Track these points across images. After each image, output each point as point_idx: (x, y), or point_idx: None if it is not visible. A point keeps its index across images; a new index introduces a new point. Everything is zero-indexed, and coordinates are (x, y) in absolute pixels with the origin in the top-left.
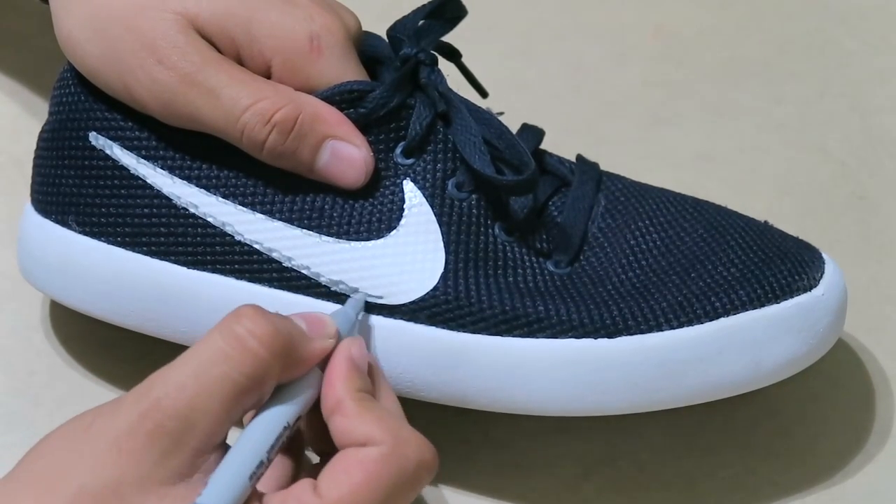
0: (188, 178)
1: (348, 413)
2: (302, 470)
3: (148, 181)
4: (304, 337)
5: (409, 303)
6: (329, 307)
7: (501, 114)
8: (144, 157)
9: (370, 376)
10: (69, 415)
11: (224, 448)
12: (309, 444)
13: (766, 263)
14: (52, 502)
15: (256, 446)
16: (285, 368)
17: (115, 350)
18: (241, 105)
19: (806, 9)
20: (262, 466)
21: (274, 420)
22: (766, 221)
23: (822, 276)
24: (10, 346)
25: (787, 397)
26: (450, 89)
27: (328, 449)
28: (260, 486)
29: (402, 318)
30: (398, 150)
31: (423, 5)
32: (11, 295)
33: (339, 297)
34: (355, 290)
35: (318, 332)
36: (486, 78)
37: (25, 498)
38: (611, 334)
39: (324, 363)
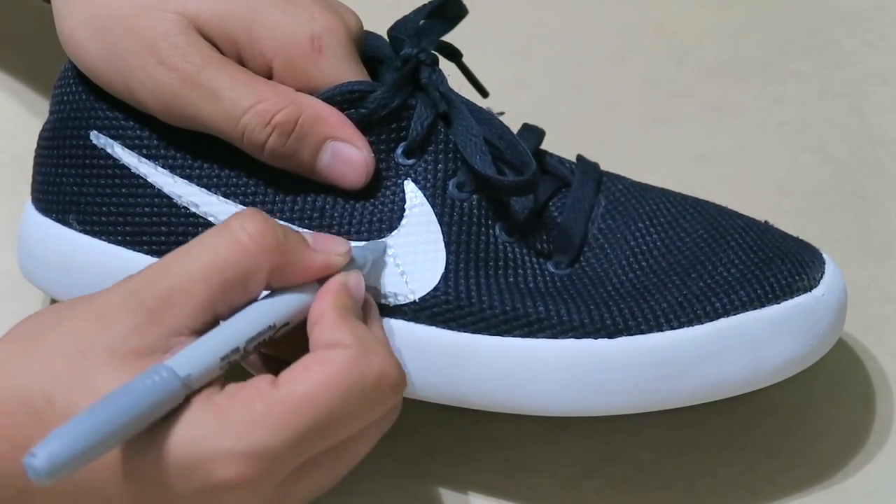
0: (189, 178)
1: (327, 322)
2: None
3: (149, 180)
4: (301, 243)
5: (410, 303)
6: None
7: (502, 114)
8: (145, 156)
9: (364, 311)
10: None
11: (203, 335)
12: None
13: (767, 264)
14: (25, 359)
15: (235, 331)
16: (277, 270)
17: None
18: (241, 106)
19: (806, 9)
20: (237, 353)
21: (260, 314)
22: (766, 221)
23: (822, 277)
24: None
25: (787, 397)
26: (451, 89)
27: None
28: None
29: (402, 319)
30: (399, 151)
31: (424, 5)
32: (11, 294)
33: None
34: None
35: (323, 247)
36: (486, 78)
37: (3, 354)
38: (611, 335)
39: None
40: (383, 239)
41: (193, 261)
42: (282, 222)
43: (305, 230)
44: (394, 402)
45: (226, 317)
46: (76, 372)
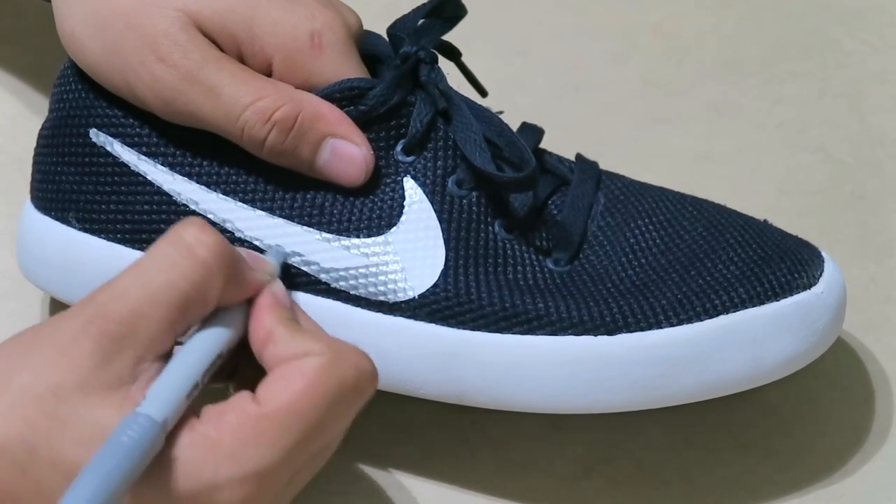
0: (188, 175)
1: (280, 339)
2: None
3: (148, 178)
4: (246, 262)
5: (409, 300)
6: (330, 304)
7: (501, 113)
8: (145, 154)
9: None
10: None
11: (166, 360)
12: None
13: (766, 261)
14: None
15: (195, 364)
16: (227, 287)
17: None
18: (241, 103)
19: (806, 9)
20: (197, 389)
21: (210, 343)
22: (765, 220)
23: (821, 275)
24: None
25: (786, 396)
26: (450, 87)
27: None
28: None
29: (401, 316)
30: (398, 148)
31: (423, 4)
32: (11, 294)
33: (340, 294)
34: (354, 288)
35: (257, 266)
36: (485, 77)
37: None
38: (610, 331)
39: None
40: (277, 246)
41: (152, 280)
42: (281, 218)
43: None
44: (372, 391)
45: (183, 335)
46: (52, 416)
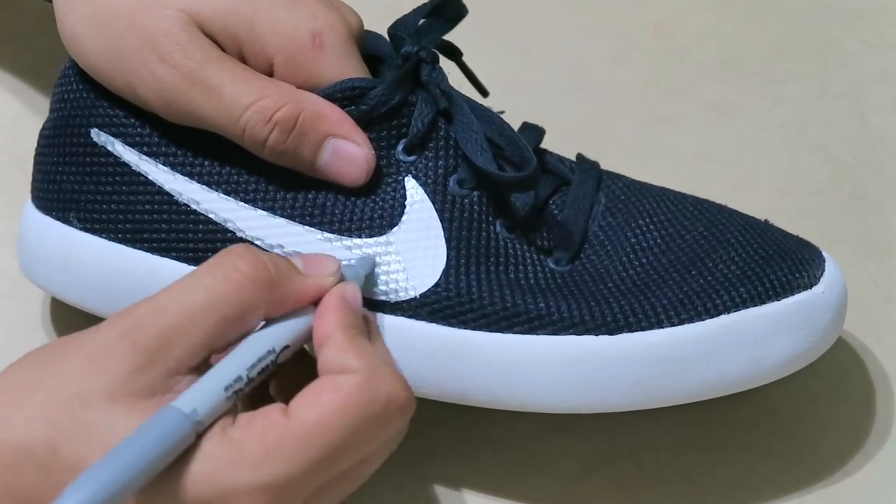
0: (190, 175)
1: (335, 344)
2: None
3: (149, 178)
4: (293, 272)
5: (411, 299)
6: None
7: (502, 112)
8: (146, 154)
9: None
10: None
11: (201, 373)
12: None
13: (767, 261)
14: (23, 410)
15: (236, 360)
16: (274, 303)
17: None
18: (242, 103)
19: (806, 9)
20: (241, 382)
21: (259, 342)
22: (765, 220)
23: (822, 274)
24: (10, 346)
25: (786, 396)
26: (451, 87)
27: None
28: None
29: (402, 315)
30: (400, 147)
31: (424, 4)
32: (11, 294)
33: None
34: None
35: (314, 270)
36: (486, 77)
37: None
38: (611, 331)
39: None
40: (369, 254)
41: (189, 300)
42: (282, 218)
43: (293, 252)
44: (402, 424)
45: (221, 351)
46: (78, 420)
